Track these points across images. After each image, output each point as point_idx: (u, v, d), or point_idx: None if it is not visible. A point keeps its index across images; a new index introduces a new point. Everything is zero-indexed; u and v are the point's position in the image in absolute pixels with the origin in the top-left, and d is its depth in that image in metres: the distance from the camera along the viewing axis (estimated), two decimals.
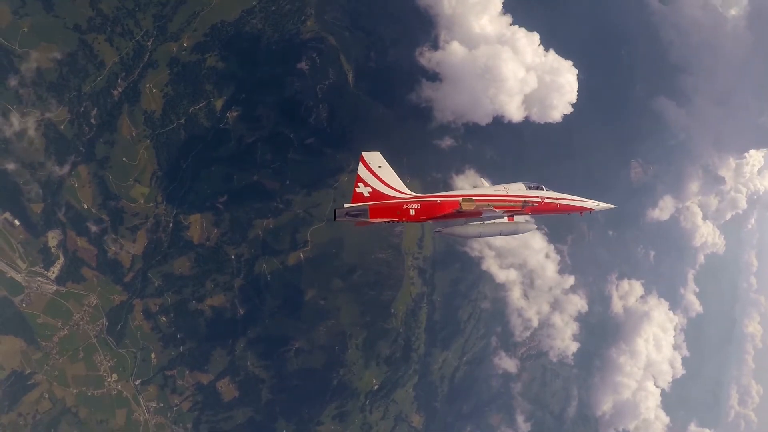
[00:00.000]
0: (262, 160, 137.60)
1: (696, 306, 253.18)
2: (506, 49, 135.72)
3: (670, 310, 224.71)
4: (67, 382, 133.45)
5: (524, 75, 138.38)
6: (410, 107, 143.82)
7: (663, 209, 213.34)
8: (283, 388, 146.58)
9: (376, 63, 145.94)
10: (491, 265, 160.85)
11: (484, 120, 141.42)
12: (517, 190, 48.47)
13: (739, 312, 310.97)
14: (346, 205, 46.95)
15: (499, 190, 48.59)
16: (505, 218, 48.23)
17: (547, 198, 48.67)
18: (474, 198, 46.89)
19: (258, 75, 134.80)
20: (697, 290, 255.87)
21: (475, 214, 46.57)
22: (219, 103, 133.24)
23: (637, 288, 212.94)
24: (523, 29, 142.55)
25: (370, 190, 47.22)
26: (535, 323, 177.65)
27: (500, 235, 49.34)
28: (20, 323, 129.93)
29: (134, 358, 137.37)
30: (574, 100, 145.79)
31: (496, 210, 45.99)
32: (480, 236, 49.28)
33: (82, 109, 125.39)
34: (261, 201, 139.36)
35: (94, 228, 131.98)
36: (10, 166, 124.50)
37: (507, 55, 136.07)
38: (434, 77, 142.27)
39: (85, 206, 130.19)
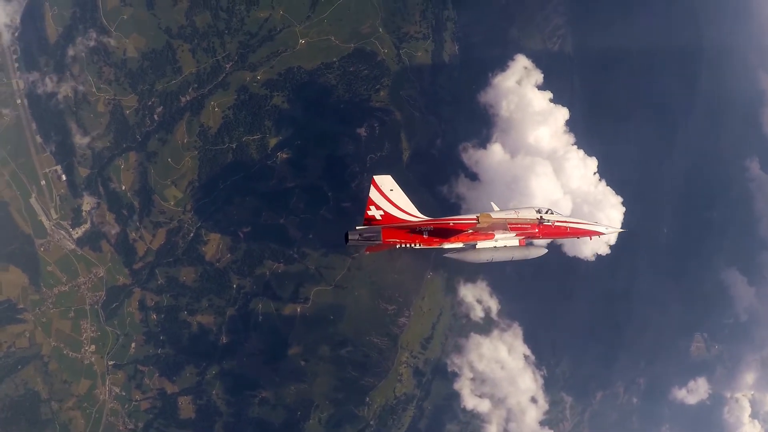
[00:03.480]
0: (294, 207, 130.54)
1: None
2: (545, 165, 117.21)
3: None
4: (50, 332, 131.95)
5: (558, 198, 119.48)
6: (440, 199, 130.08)
7: (692, 392, 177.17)
8: (236, 430, 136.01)
9: (439, 151, 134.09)
10: (464, 386, 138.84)
11: None
12: (528, 214, 46.66)
13: None
14: (358, 227, 44.95)
15: (510, 213, 46.43)
16: (517, 242, 46.16)
17: (558, 221, 46.83)
18: (491, 215, 44.00)
19: (317, 127, 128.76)
20: None
21: (489, 236, 44.79)
22: (273, 141, 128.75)
23: None
24: (581, 152, 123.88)
25: (382, 213, 45.62)
26: None
27: (512, 259, 47.26)
28: (32, 263, 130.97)
29: (116, 340, 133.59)
30: (613, 242, 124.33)
31: (510, 231, 44.51)
32: (492, 261, 46.33)
33: (150, 103, 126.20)
34: (279, 244, 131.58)
35: (123, 210, 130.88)
36: (73, 127, 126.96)
37: (543, 170, 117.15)
38: (474, 176, 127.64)
39: (123, 188, 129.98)
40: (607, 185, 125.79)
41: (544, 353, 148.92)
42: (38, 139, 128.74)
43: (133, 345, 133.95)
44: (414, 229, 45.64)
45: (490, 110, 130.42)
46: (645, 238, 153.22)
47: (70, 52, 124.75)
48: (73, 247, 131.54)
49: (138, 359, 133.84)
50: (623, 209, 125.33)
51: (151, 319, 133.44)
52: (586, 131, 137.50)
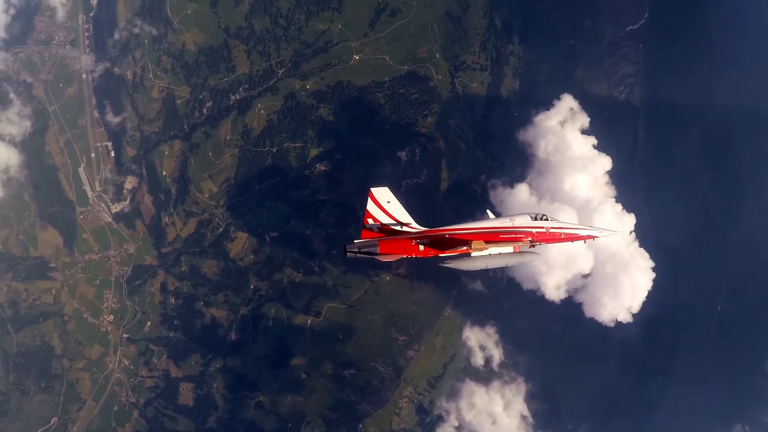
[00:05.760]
0: (323, 220, 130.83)
1: None
2: (570, 213, 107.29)
3: None
4: (74, 294, 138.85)
5: (579, 251, 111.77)
6: None
7: None
8: (228, 427, 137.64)
9: (482, 188, 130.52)
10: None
11: (527, 283, 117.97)
12: (523, 221, 47.98)
13: None
14: (356, 241, 46.51)
15: (505, 222, 48.16)
16: (511, 248, 47.46)
17: (552, 228, 48.07)
18: (484, 240, 46.25)
19: (359, 144, 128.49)
20: None
21: (483, 247, 46.34)
22: (313, 152, 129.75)
23: None
24: (619, 206, 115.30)
25: (380, 225, 46.80)
26: None
27: (506, 266, 49.74)
28: (70, 227, 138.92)
29: (134, 315, 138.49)
30: (636, 310, 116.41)
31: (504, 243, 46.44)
32: (486, 268, 48.10)
33: (201, 96, 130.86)
34: (302, 254, 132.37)
35: (161, 194, 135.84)
36: (128, 108, 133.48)
37: (567, 218, 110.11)
38: (498, 215, 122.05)
39: (164, 173, 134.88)
40: (640, 246, 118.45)
41: (556, 417, 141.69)
42: (96, 114, 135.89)
43: (149, 323, 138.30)
44: (411, 242, 46.84)
45: (528, 149, 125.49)
46: (694, 313, 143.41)
47: (135, 37, 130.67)
48: (109, 220, 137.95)
49: (151, 338, 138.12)
50: (653, 275, 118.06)
51: (170, 303, 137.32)
52: (635, 186, 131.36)
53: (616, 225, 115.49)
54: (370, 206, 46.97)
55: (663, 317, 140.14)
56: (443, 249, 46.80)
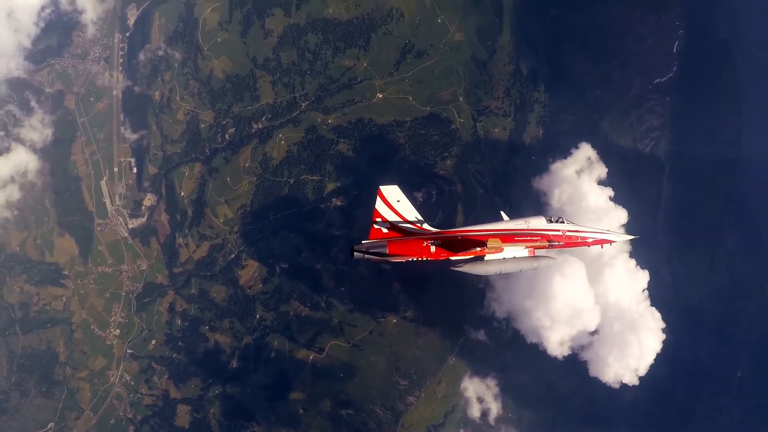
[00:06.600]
0: (334, 255, 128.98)
1: None
2: (578, 266, 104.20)
3: None
4: (84, 305, 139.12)
5: (586, 306, 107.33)
6: (467, 282, 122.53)
7: None
8: None
9: None
10: None
11: (532, 336, 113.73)
12: (538, 223, 45.64)
13: None
14: (364, 242, 43.94)
15: (520, 224, 45.65)
16: (526, 253, 45.15)
17: (568, 231, 46.11)
18: (499, 237, 43.70)
19: (376, 181, 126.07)
20: None
21: (498, 250, 43.94)
22: (330, 186, 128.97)
23: None
24: (633, 262, 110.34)
25: (389, 225, 44.60)
26: None
27: (521, 270, 46.34)
28: (87, 238, 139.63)
29: (140, 332, 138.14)
30: (642, 372, 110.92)
31: (519, 244, 44.33)
32: (500, 273, 45.63)
33: (224, 122, 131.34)
34: (310, 288, 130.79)
35: (177, 215, 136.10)
36: (153, 127, 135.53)
37: (573, 271, 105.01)
38: None
39: (182, 194, 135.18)
40: (652, 305, 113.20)
41: None
42: (122, 130, 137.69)
43: (153, 341, 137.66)
44: (421, 243, 43.81)
45: (542, 197, 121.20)
46: (713, 379, 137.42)
47: (165, 60, 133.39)
48: (125, 235, 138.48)
49: (154, 356, 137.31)
50: (662, 336, 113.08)
51: (176, 324, 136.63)
52: (653, 242, 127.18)
53: (630, 278, 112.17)
54: (379, 205, 44.58)
55: (679, 380, 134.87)
56: (456, 251, 43.59)
